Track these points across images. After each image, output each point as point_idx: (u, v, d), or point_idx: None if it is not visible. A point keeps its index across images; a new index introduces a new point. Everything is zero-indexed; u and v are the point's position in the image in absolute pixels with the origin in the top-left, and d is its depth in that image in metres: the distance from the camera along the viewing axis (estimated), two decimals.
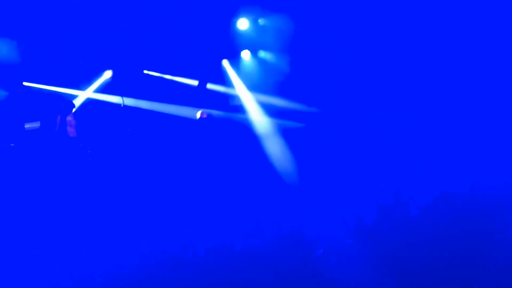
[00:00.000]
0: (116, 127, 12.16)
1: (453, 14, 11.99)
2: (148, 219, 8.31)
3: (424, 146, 11.34)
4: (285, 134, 12.56)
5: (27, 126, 12.11)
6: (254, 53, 14.02)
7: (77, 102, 12.36)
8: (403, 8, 12.39)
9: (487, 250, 6.50)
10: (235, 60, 14.05)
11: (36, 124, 12.03)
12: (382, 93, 12.71)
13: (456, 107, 12.02)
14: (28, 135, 11.65)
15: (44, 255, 7.11)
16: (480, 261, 6.29)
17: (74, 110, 11.19)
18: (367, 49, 12.85)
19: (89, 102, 12.97)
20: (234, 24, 13.72)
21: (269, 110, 13.32)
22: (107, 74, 13.35)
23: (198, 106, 12.48)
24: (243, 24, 13.80)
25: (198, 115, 11.45)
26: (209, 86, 13.70)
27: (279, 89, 13.52)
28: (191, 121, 12.22)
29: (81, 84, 13.11)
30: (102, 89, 13.27)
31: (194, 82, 13.05)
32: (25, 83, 12.80)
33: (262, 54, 14.05)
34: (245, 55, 14.02)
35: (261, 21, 13.93)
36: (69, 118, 11.06)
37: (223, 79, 13.85)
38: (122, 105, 12.18)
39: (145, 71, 13.61)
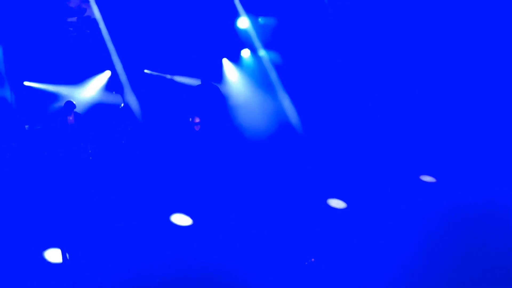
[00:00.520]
0: (116, 126, 12.17)
1: (453, 14, 11.98)
2: (148, 219, 8.32)
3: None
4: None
5: (27, 126, 12.13)
6: (254, 51, 14.02)
7: (77, 102, 12.34)
8: (403, 7, 12.38)
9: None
10: (235, 59, 14.05)
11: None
12: (384, 93, 12.69)
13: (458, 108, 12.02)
14: (28, 135, 11.67)
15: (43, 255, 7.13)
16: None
17: (74, 110, 11.20)
18: (366, 47, 12.84)
19: (89, 102, 12.96)
20: (234, 22, 13.73)
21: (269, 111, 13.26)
22: (107, 74, 13.36)
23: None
24: (243, 22, 13.82)
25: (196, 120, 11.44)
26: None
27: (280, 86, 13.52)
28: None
29: (81, 84, 13.12)
30: (102, 89, 13.27)
31: (197, 82, 13.03)
32: (26, 83, 12.82)
33: (262, 52, 14.05)
34: (245, 53, 14.01)
35: (261, 20, 13.93)
36: (69, 118, 11.09)
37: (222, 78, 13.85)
38: (121, 105, 12.21)
39: (146, 71, 13.61)
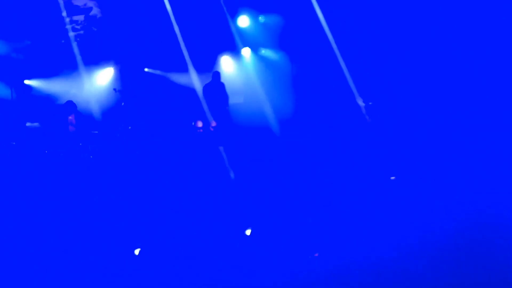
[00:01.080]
0: (117, 125, 12.19)
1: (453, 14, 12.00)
2: (148, 218, 8.35)
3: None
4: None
5: (28, 123, 12.17)
6: (254, 50, 14.03)
7: (78, 101, 12.37)
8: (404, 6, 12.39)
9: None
10: (236, 57, 14.07)
11: (35, 124, 12.10)
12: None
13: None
14: (29, 133, 11.71)
15: (44, 254, 7.16)
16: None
17: (75, 109, 11.21)
18: (366, 47, 12.85)
19: (90, 100, 12.97)
20: (234, 21, 13.75)
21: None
22: (109, 72, 13.37)
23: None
24: (243, 21, 13.84)
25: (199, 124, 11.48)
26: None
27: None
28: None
29: (82, 82, 13.14)
30: (104, 87, 13.29)
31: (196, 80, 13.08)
32: (26, 81, 12.85)
33: (262, 51, 14.07)
34: (246, 52, 14.03)
35: (261, 19, 13.95)
36: (70, 117, 11.11)
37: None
38: (122, 104, 12.24)
39: (146, 69, 13.64)
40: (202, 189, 9.46)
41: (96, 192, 9.48)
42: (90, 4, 12.93)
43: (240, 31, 13.86)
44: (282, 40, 13.70)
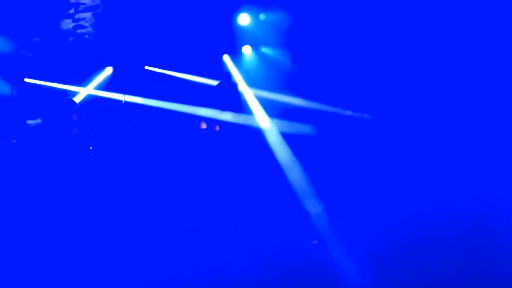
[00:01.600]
0: (118, 123, 12.19)
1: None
2: (149, 218, 8.36)
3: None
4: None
5: (29, 121, 12.15)
6: (255, 48, 14.00)
7: (78, 99, 12.36)
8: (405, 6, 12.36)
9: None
10: (236, 56, 14.03)
11: (38, 121, 12.08)
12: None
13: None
14: (30, 131, 11.70)
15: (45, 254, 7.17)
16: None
17: (75, 107, 11.20)
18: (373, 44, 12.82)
19: (90, 99, 12.97)
20: (235, 19, 13.72)
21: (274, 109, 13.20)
22: (108, 71, 13.36)
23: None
24: (244, 19, 13.81)
25: (203, 125, 11.51)
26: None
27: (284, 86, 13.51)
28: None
29: (82, 81, 13.13)
30: (103, 86, 13.27)
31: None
32: (26, 80, 12.83)
33: (263, 49, 14.04)
34: (246, 50, 14.00)
35: (262, 16, 13.91)
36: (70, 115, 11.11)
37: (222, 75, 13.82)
38: (123, 102, 12.24)
39: (146, 67, 13.61)
40: (202, 189, 9.47)
41: (96, 191, 9.48)
42: (98, 1, 12.92)
43: (240, 29, 13.83)
44: (284, 38, 13.66)
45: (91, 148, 11.05)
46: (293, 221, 7.95)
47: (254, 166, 10.58)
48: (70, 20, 12.99)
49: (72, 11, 12.92)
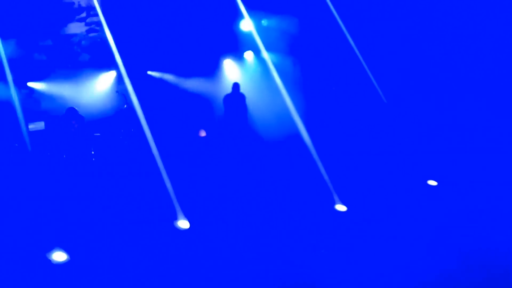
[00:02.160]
0: (119, 127, 12.20)
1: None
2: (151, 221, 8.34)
3: None
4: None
5: (31, 126, 12.17)
6: (257, 54, 14.04)
7: (81, 103, 12.37)
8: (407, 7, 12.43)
9: None
10: (238, 61, 14.09)
11: (40, 125, 12.09)
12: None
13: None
14: (32, 136, 11.71)
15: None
16: None
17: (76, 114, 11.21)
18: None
19: (93, 103, 12.99)
20: (237, 25, 13.78)
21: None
22: (112, 74, 13.39)
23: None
24: (246, 25, 13.86)
25: (202, 133, 11.58)
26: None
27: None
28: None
29: (86, 84, 13.18)
30: (107, 90, 13.31)
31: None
32: (29, 84, 12.87)
33: (265, 55, 14.07)
34: (248, 55, 14.04)
35: (264, 22, 13.97)
36: (72, 122, 11.12)
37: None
38: (125, 106, 12.26)
39: (149, 72, 13.66)
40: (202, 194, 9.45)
41: (98, 195, 9.47)
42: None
43: (242, 34, 13.88)
44: (286, 43, 13.71)
45: (92, 153, 11.07)
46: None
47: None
48: (83, 24, 13.10)
49: (84, 14, 13.00)
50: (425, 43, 12.54)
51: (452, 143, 11.23)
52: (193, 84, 13.69)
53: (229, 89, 12.81)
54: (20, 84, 12.58)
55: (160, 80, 13.72)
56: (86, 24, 13.11)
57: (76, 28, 13.04)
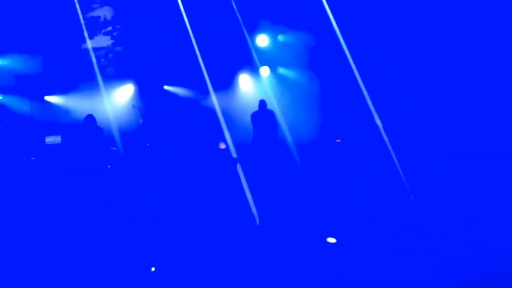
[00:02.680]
0: (135, 140, 12.25)
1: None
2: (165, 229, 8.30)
3: None
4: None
5: (48, 140, 12.23)
6: (273, 69, 14.08)
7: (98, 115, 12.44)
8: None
9: None
10: (254, 76, 14.12)
11: (57, 138, 12.14)
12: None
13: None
14: (49, 149, 11.77)
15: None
16: None
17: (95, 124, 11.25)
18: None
19: (110, 115, 13.05)
20: (253, 40, 13.83)
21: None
22: (129, 88, 13.45)
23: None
24: (262, 40, 13.92)
25: (222, 146, 11.54)
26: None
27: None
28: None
29: (102, 97, 13.25)
30: (124, 103, 13.38)
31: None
32: (46, 98, 12.97)
33: (281, 70, 14.11)
34: (264, 71, 14.07)
35: (280, 38, 14.02)
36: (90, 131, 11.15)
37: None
38: (141, 121, 12.31)
39: (165, 87, 13.72)
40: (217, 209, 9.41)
41: (114, 209, 9.46)
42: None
43: (258, 50, 13.93)
44: (302, 58, 13.73)
45: (108, 166, 11.09)
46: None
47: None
48: (109, 37, 13.23)
49: (109, 28, 13.15)
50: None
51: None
52: (208, 98, 13.73)
53: (245, 104, 12.83)
54: (40, 98, 12.70)
55: (176, 94, 13.78)
56: (112, 38, 13.24)
57: (102, 41, 13.17)
